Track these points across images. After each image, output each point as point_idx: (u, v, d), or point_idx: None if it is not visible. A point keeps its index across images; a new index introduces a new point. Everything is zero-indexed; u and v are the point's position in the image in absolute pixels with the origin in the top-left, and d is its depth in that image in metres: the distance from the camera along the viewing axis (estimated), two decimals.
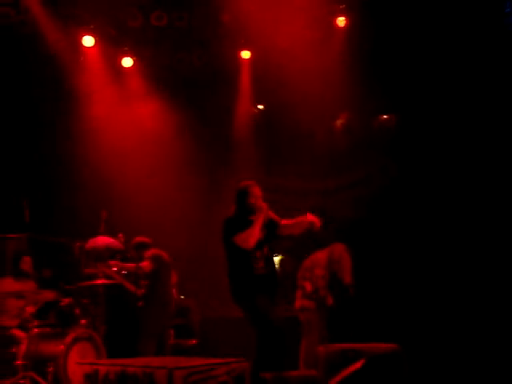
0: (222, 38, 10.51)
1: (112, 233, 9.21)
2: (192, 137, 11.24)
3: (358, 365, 5.69)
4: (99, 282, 8.43)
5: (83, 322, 7.70)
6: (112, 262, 8.55)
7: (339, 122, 11.68)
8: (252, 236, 6.10)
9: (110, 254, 8.87)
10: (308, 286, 8.00)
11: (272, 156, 11.51)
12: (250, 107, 11.92)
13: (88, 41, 10.58)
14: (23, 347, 7.24)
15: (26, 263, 8.29)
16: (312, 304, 7.89)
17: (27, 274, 8.25)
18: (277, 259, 11.18)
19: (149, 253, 8.37)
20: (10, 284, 8.10)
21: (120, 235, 9.04)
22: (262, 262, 6.25)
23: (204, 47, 10.89)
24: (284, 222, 6.50)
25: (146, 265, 8.28)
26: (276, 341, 5.92)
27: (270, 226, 6.41)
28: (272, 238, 6.44)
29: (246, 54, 11.03)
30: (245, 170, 11.24)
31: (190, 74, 11.21)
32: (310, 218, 6.36)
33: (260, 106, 12.11)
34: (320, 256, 8.06)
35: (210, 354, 6.49)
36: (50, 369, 7.04)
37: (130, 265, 8.45)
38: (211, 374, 4.77)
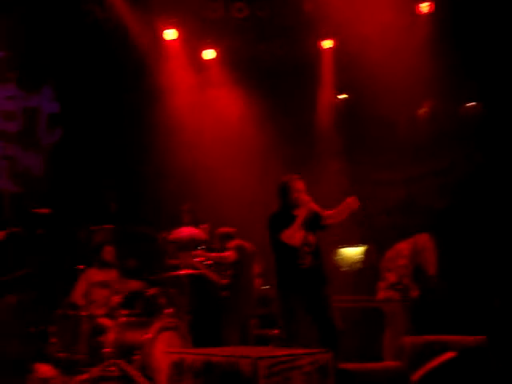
0: (303, 27, 10.44)
1: (196, 223, 9.30)
2: (274, 127, 11.20)
3: (445, 357, 5.58)
4: (183, 272, 8.52)
5: (168, 311, 7.79)
6: (196, 253, 8.64)
7: (423, 110, 11.46)
8: (296, 233, 6.16)
9: (193, 244, 8.95)
10: (391, 277, 7.92)
11: (355, 145, 11.38)
12: (332, 97, 11.81)
13: (170, 34, 10.72)
14: (111, 336, 7.38)
15: (109, 253, 8.45)
16: (396, 295, 7.80)
17: (110, 263, 8.42)
18: (361, 249, 11.09)
19: (232, 243, 8.42)
20: (95, 274, 8.30)
21: (204, 226, 9.12)
22: (309, 256, 6.31)
23: (286, 37, 10.86)
24: (327, 212, 6.46)
25: (229, 255, 8.34)
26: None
27: (315, 219, 6.39)
28: (318, 230, 6.45)
29: (327, 43, 10.94)
30: (328, 161, 11.19)
31: (271, 64, 11.20)
32: (349, 201, 6.27)
33: (342, 96, 11.98)
34: (404, 246, 7.96)
35: (294, 345, 6.47)
36: (137, 357, 7.18)
37: (214, 255, 8.52)
38: (295, 364, 4.75)
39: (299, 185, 6.41)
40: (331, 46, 10.93)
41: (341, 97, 11.92)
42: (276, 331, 9.28)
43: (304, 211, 6.22)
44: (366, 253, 10.86)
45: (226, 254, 8.35)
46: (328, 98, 11.72)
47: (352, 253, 11.28)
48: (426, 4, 10.02)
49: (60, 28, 10.02)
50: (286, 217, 6.29)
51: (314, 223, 6.38)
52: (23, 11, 9.69)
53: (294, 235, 6.16)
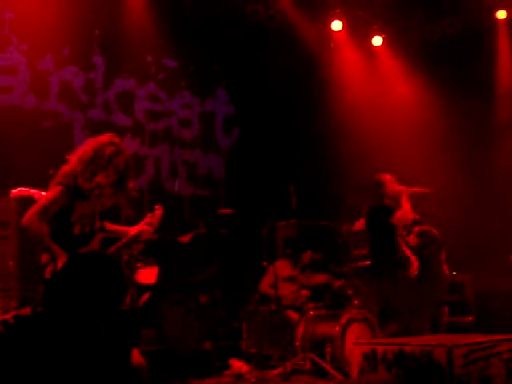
0: (473, 0, 10.01)
1: None
2: (450, 111, 10.83)
3: None
4: (369, 262, 8.43)
5: (356, 302, 7.74)
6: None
7: None
8: (408, 211, 7.12)
9: None
10: None
11: None
12: None
13: (336, 25, 10.66)
14: (300, 329, 7.46)
15: (307, 257, 8.55)
16: None
17: (303, 262, 8.51)
18: None
19: (416, 228, 8.25)
20: (283, 268, 8.40)
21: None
22: (405, 244, 7.19)
23: (455, 14, 10.46)
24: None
25: (411, 238, 8.19)
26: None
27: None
28: None
29: (501, 14, 10.41)
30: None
31: (443, 43, 10.82)
32: None
33: None
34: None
35: (488, 331, 6.20)
36: (328, 349, 7.17)
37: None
38: (493, 351, 4.53)
39: (389, 177, 7.35)
40: (505, 16, 10.36)
41: None
42: (469, 318, 8.98)
43: (405, 195, 7.15)
44: None
45: (409, 237, 8.21)
46: (508, 71, 11.11)
47: None
48: None
49: (227, 30, 10.27)
50: (385, 207, 7.20)
51: None
52: (189, 19, 10.01)
53: (406, 214, 7.13)
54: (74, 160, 4.56)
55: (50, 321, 3.68)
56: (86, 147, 4.62)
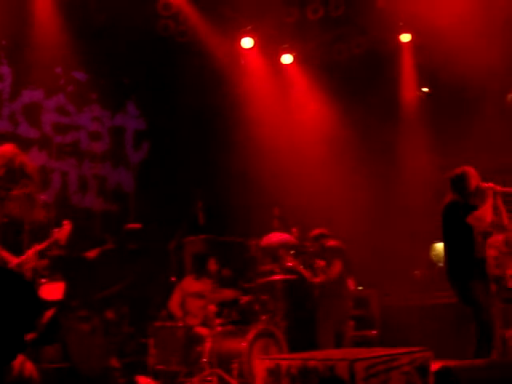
0: (379, 22, 10.29)
1: (286, 228, 9.29)
2: (358, 126, 11.11)
3: None
4: (276, 277, 8.52)
5: (263, 318, 7.79)
6: (290, 263, 8.63)
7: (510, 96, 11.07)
8: (488, 213, 6.34)
9: (284, 249, 8.94)
10: None
11: (442, 138, 11.12)
12: (415, 91, 11.58)
13: (247, 42, 10.77)
14: (208, 345, 7.43)
15: (213, 264, 8.52)
16: (493, 287, 7.57)
17: (210, 274, 8.49)
18: None
19: (335, 259, 8.32)
20: (190, 285, 8.39)
21: (294, 230, 9.10)
22: (483, 246, 6.51)
23: (362, 35, 10.75)
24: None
25: (335, 272, 8.28)
26: (485, 328, 6.19)
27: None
28: None
29: (405, 37, 10.76)
30: (416, 155, 10.97)
31: (350, 63, 11.09)
32: None
33: (425, 89, 11.73)
34: (496, 238, 7.74)
35: (392, 345, 6.36)
36: (235, 365, 7.19)
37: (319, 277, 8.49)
38: (393, 364, 4.65)
39: (475, 172, 6.62)
40: (409, 39, 10.72)
41: (424, 90, 11.66)
42: (374, 332, 9.16)
43: (491, 195, 6.42)
44: None
45: (332, 271, 8.29)
46: (411, 93, 11.50)
47: None
48: None
49: (137, 45, 10.23)
50: (466, 206, 6.48)
51: None
52: (100, 33, 9.92)
53: (484, 215, 6.34)
54: None
55: None
56: None
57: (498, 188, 6.51)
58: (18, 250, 4.89)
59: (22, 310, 3.47)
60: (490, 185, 6.48)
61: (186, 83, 10.70)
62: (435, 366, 4.89)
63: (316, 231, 8.64)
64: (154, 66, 10.67)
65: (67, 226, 4.88)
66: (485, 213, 6.34)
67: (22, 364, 3.97)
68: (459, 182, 6.59)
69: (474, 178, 6.56)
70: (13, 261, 4.60)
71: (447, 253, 6.73)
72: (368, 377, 4.46)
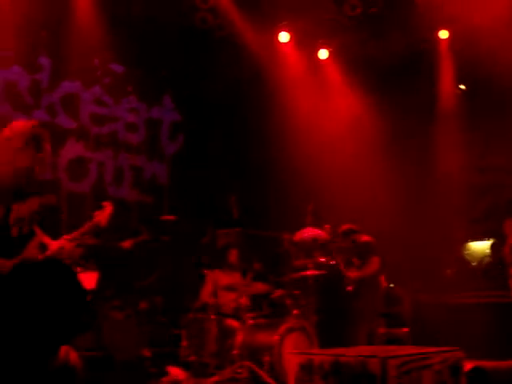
0: (417, 19, 10.21)
1: (319, 224, 9.29)
2: (394, 123, 11.05)
3: None
4: (309, 273, 8.52)
5: (295, 312, 7.81)
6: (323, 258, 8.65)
7: None
8: None
9: (316, 245, 8.94)
10: None
11: (483, 137, 11.02)
12: (453, 88, 11.49)
13: (284, 37, 10.77)
14: (239, 338, 7.47)
15: (233, 255, 8.56)
16: None
17: (234, 266, 8.53)
18: (488, 244, 10.73)
19: (373, 255, 8.33)
20: (221, 277, 8.43)
21: (327, 226, 9.10)
22: None
23: (400, 31, 10.67)
24: None
25: (373, 268, 8.30)
26: None
27: None
28: None
29: (443, 34, 10.68)
30: (452, 154, 10.90)
31: (387, 59, 11.03)
32: None
33: (462, 86, 11.63)
34: None
35: (422, 343, 6.34)
36: (266, 358, 7.21)
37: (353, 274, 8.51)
38: (425, 362, 4.65)
39: None
40: (447, 36, 10.64)
41: (461, 87, 11.57)
42: (404, 330, 9.13)
43: None
44: (493, 247, 10.50)
45: (371, 266, 8.31)
46: (449, 90, 11.41)
47: (481, 247, 10.95)
48: None
49: (175, 38, 10.28)
50: None
51: None
52: (137, 25, 9.98)
53: None
54: None
55: None
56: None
57: None
58: (56, 233, 4.80)
59: (74, 296, 3.51)
60: None
61: (222, 77, 10.74)
62: (467, 366, 4.88)
63: (345, 226, 8.66)
64: (191, 58, 10.70)
65: (108, 206, 4.75)
66: None
67: (67, 352, 4.03)
68: None
69: None
70: (52, 246, 4.49)
71: None
72: (400, 374, 4.47)
